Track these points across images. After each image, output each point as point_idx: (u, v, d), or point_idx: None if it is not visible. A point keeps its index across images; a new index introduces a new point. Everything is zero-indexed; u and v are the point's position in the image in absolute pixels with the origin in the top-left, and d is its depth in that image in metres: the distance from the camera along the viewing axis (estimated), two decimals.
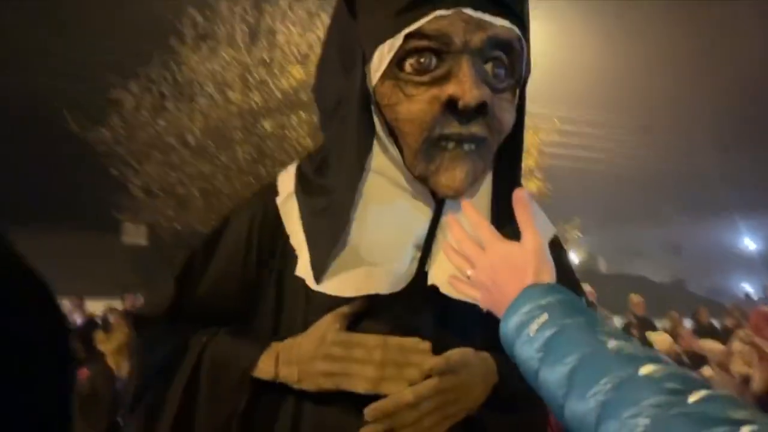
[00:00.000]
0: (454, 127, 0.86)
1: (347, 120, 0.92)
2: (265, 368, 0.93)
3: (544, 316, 0.69)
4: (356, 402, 0.88)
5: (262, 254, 1.01)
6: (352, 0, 0.92)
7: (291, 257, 0.98)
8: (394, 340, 0.89)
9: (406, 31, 0.83)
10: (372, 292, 0.90)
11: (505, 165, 0.98)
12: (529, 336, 0.69)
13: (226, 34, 10.07)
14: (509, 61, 0.89)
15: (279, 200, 1.03)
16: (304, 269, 0.95)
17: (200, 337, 0.99)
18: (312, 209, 0.97)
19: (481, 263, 0.82)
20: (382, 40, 0.86)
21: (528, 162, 11.84)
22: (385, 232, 0.92)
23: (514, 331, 0.71)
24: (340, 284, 0.91)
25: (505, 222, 0.89)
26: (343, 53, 0.93)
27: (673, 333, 6.69)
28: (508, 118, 0.91)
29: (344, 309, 0.93)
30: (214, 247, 1.04)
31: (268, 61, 9.95)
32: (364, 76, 0.90)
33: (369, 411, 0.86)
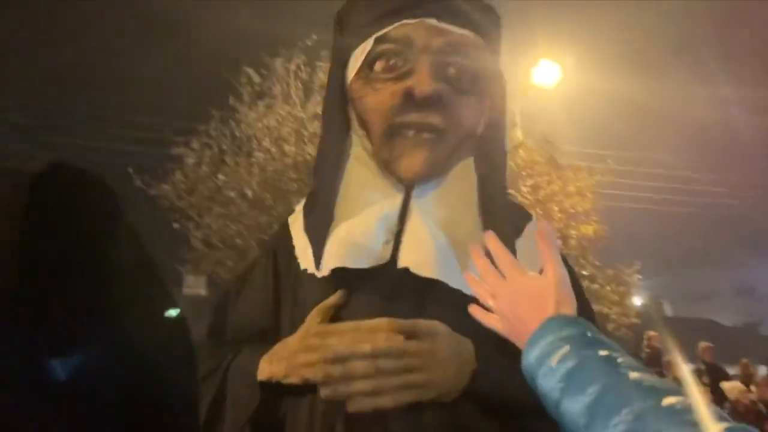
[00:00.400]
0: (412, 117, 0.96)
1: (327, 117, 1.06)
2: (263, 369, 0.98)
3: (566, 348, 0.70)
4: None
5: (279, 277, 1.09)
6: (341, 20, 1.06)
7: (300, 271, 1.05)
8: (365, 324, 0.91)
9: (376, 35, 0.97)
10: (349, 266, 0.96)
11: (489, 168, 1.04)
12: (550, 367, 0.70)
13: (282, 91, 10.45)
14: (473, 67, 0.99)
15: (290, 219, 1.13)
16: (307, 262, 1.03)
17: (228, 355, 1.05)
18: (309, 210, 1.07)
19: (502, 293, 0.84)
20: (357, 46, 1.00)
21: (584, 204, 11.63)
22: (362, 216, 1.00)
23: (536, 363, 0.73)
24: (326, 264, 0.99)
25: (492, 224, 0.97)
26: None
27: (746, 380, 6.33)
28: (468, 115, 0.99)
29: (326, 302, 0.97)
30: (246, 277, 1.14)
31: (322, 114, 10.21)
32: (343, 79, 1.03)
33: (325, 354, 0.89)
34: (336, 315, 0.98)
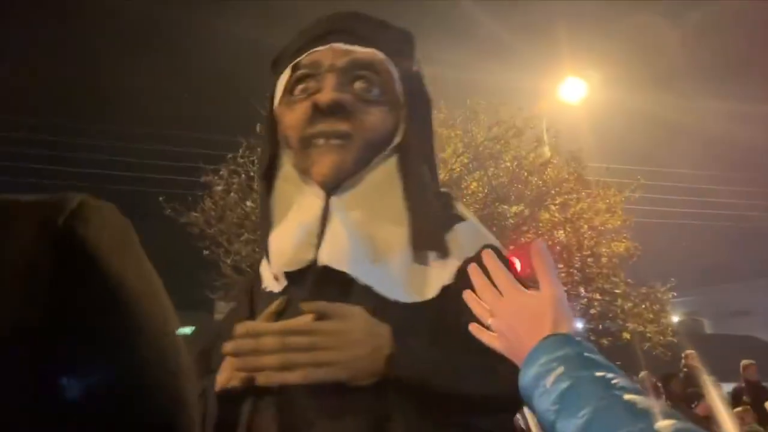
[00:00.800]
0: (321, 126, 1.05)
1: (262, 146, 1.18)
2: (217, 382, 1.01)
3: (560, 369, 0.69)
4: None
5: (253, 303, 1.15)
6: (275, 63, 1.19)
7: (264, 293, 1.11)
8: (277, 325, 0.95)
9: (291, 64, 1.11)
10: (281, 272, 1.05)
11: (412, 170, 1.10)
12: (545, 388, 0.69)
13: None
14: (381, 80, 1.09)
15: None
16: (267, 281, 1.11)
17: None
18: (263, 236, 1.17)
19: (500, 311, 0.83)
20: (280, 76, 1.14)
21: (614, 221, 11.47)
22: (289, 225, 1.09)
23: (532, 383, 0.72)
24: (266, 275, 1.10)
25: (422, 226, 1.03)
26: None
27: None
28: (372, 121, 1.07)
29: (266, 311, 1.03)
30: (234, 309, 1.24)
31: None
32: (272, 109, 1.14)
33: (238, 327, 0.95)
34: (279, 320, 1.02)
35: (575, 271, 10.99)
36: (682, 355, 7.29)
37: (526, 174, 10.78)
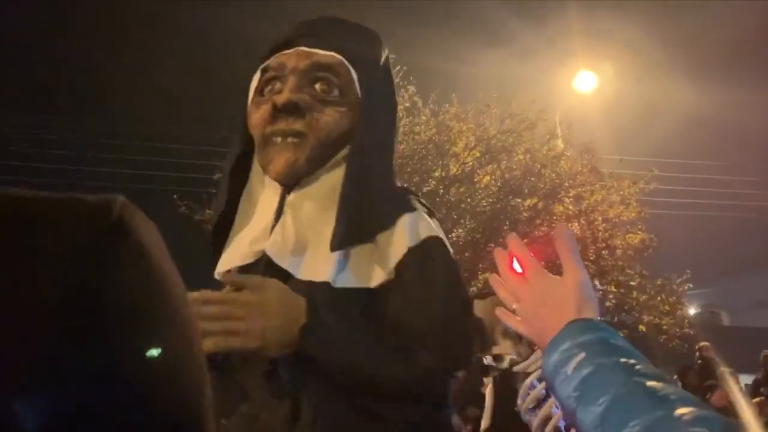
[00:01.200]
0: (279, 125, 1.11)
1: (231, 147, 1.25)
2: None
3: (582, 355, 0.69)
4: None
5: None
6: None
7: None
8: (194, 295, 0.96)
9: (260, 68, 1.18)
10: (234, 265, 1.11)
11: (361, 166, 1.13)
12: (566, 374, 0.69)
13: None
14: (340, 82, 1.14)
15: None
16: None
17: None
18: (216, 234, 1.22)
19: (524, 296, 0.83)
20: (251, 81, 1.21)
21: (628, 213, 11.38)
22: (252, 220, 1.16)
23: (553, 370, 0.71)
24: (219, 269, 1.15)
25: (348, 218, 1.06)
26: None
27: None
28: (327, 121, 1.12)
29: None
30: None
31: None
32: (245, 110, 1.20)
33: None
34: None
35: (590, 264, 10.92)
36: (696, 347, 7.24)
37: (539, 167, 10.73)
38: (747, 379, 7.87)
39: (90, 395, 0.35)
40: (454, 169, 10.53)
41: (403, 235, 1.08)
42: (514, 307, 0.85)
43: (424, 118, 10.67)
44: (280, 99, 1.10)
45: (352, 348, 0.98)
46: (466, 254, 10.25)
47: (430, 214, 1.17)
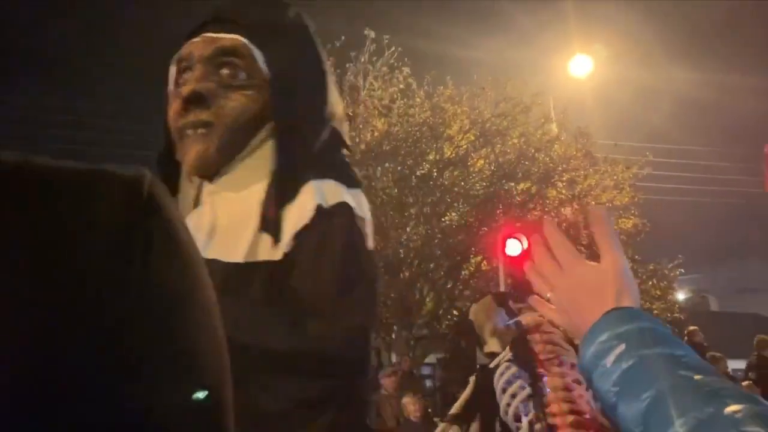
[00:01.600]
0: (188, 118, 1.09)
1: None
2: None
3: (622, 347, 0.64)
4: None
5: None
6: None
7: None
8: None
9: (174, 58, 1.16)
10: None
11: (286, 153, 1.11)
12: (606, 367, 0.64)
13: None
14: (245, 65, 1.12)
15: None
16: None
17: None
18: None
19: (559, 285, 0.78)
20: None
21: (622, 198, 11.41)
22: None
23: (591, 363, 0.67)
24: None
25: (283, 202, 1.06)
26: None
27: None
28: (233, 106, 1.10)
29: None
30: None
31: (351, 115, 10.28)
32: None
33: None
34: None
35: (582, 248, 10.94)
36: (685, 331, 7.30)
37: (533, 151, 10.71)
38: (733, 363, 7.95)
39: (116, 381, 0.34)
40: (449, 153, 10.49)
41: (307, 204, 1.06)
42: (548, 295, 0.80)
43: (418, 100, 10.61)
44: (185, 91, 1.09)
45: (235, 320, 0.94)
46: (460, 237, 10.26)
47: (351, 183, 1.13)
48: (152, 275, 0.37)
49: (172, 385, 0.37)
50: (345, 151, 1.21)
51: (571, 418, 3.33)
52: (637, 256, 11.36)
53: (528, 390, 3.37)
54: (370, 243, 1.12)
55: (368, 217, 1.11)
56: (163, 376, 0.36)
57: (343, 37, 10.35)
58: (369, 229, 1.11)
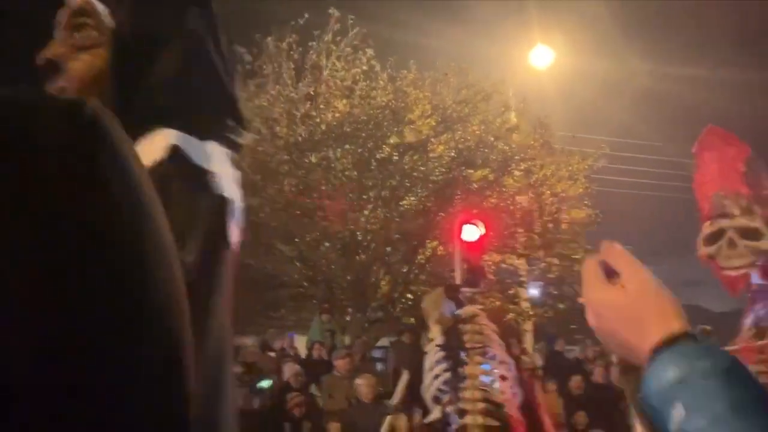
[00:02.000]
0: (50, 86, 1.09)
1: None
2: None
3: (679, 408, 0.58)
4: None
5: None
6: None
7: None
8: None
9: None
10: None
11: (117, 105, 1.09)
12: (672, 419, 0.59)
13: (273, 71, 10.34)
14: (95, 22, 1.13)
15: None
16: None
17: None
18: None
19: (590, 310, 0.73)
20: None
21: (576, 189, 11.64)
22: None
23: (656, 404, 0.62)
24: None
25: None
26: None
27: None
28: (79, 66, 1.11)
29: None
30: None
31: (313, 95, 10.16)
32: None
33: None
34: None
35: (536, 236, 11.16)
36: None
37: (492, 139, 10.81)
38: None
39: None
40: (410, 137, 10.49)
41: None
42: (593, 325, 0.73)
43: (381, 83, 10.55)
44: (40, 61, 1.11)
45: None
46: (418, 222, 10.30)
47: (201, 133, 1.05)
48: (103, 188, 0.39)
49: (127, 285, 0.39)
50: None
51: (481, 405, 3.44)
52: (588, 246, 11.63)
53: (449, 374, 3.49)
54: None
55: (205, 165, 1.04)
56: (121, 282, 0.39)
57: (306, 15, 10.20)
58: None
